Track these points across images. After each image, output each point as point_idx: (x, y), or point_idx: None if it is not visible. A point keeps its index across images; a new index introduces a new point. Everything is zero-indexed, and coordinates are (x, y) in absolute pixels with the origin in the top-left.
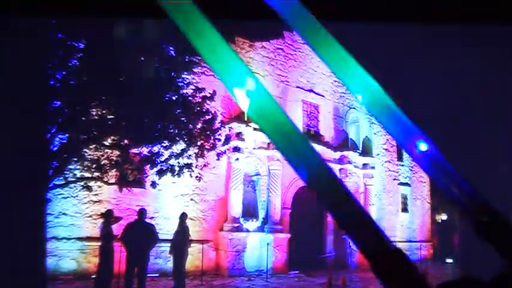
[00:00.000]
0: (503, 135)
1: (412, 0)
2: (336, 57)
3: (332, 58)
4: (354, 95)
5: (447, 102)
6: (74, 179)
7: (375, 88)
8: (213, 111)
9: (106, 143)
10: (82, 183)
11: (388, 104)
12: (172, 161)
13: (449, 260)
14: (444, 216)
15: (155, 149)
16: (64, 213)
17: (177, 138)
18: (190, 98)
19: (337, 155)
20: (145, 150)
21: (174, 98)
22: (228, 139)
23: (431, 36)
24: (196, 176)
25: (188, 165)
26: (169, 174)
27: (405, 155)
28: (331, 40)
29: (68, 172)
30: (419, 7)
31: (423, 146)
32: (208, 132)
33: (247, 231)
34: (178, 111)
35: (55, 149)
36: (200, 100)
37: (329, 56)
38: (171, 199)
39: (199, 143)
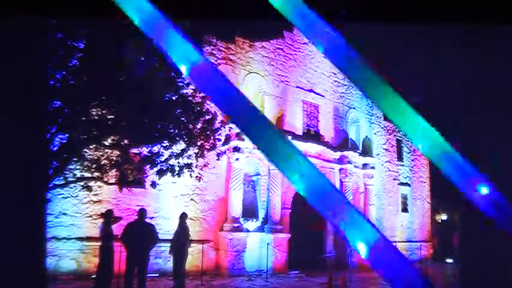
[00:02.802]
0: (504, 135)
1: (412, 0)
2: (396, 108)
3: (392, 109)
4: (415, 145)
5: (448, 101)
6: (74, 179)
7: (434, 136)
8: (213, 111)
9: (106, 143)
10: (82, 183)
11: (448, 151)
12: (172, 161)
13: (449, 260)
14: (444, 216)
15: (155, 149)
16: (64, 213)
17: (177, 138)
18: (190, 98)
19: (337, 155)
20: (145, 150)
21: (174, 98)
22: (228, 139)
23: (430, 36)
24: (196, 176)
25: (188, 165)
26: (169, 174)
27: (405, 155)
28: (391, 92)
29: (68, 172)
30: (418, 7)
31: (484, 190)
32: (208, 132)
33: (247, 231)
34: (178, 111)
35: (55, 149)
36: (200, 100)
37: (389, 107)
38: (171, 199)
39: (199, 143)
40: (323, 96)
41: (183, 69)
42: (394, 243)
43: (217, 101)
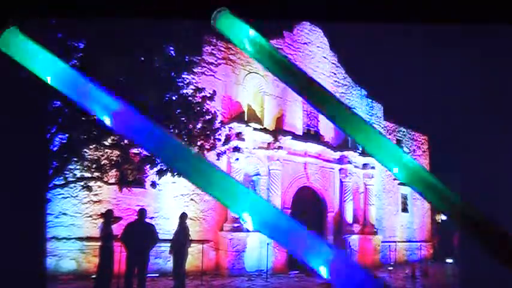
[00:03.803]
0: (504, 135)
1: (411, 0)
2: (369, 138)
3: (366, 140)
4: (390, 170)
5: (448, 101)
6: (74, 179)
7: (407, 161)
8: (213, 111)
9: (106, 143)
10: (82, 183)
11: (423, 175)
12: None
13: (449, 260)
14: (444, 216)
15: None
16: (64, 213)
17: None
18: (190, 98)
19: (337, 155)
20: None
21: (174, 98)
22: (228, 139)
23: (430, 36)
24: None
25: None
26: (169, 174)
27: None
28: (362, 122)
29: (68, 172)
30: (418, 7)
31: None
32: (208, 132)
33: (247, 231)
34: (178, 111)
35: (55, 149)
36: (200, 100)
37: (363, 138)
38: (171, 199)
39: (199, 143)
40: None
41: (107, 120)
42: (394, 243)
43: (142, 141)
